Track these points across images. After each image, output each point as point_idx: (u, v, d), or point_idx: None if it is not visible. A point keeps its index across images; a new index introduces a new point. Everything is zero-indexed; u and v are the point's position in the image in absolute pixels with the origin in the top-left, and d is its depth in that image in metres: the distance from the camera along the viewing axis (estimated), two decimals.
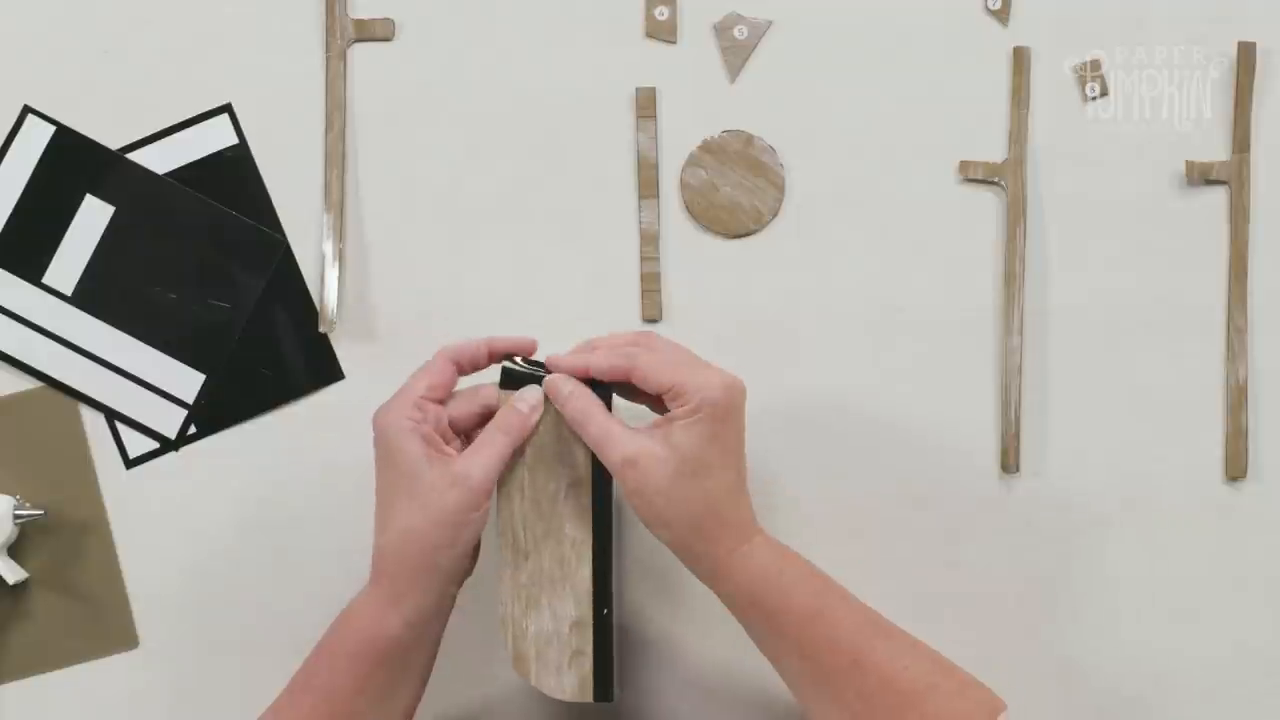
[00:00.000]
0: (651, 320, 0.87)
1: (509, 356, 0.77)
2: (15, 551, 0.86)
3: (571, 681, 0.75)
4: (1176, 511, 0.87)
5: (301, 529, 0.87)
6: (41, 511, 0.85)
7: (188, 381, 0.87)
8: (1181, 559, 0.87)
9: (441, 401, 0.75)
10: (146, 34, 0.87)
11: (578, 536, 0.75)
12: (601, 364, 0.74)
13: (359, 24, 0.88)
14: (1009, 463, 0.87)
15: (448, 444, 0.74)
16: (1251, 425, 0.87)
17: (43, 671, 0.87)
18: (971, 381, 0.87)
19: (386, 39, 0.88)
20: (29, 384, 0.87)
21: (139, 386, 0.87)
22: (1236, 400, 0.87)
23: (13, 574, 0.84)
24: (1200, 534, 0.87)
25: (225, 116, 0.87)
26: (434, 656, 0.76)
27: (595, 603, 0.75)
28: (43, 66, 0.87)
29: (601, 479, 0.75)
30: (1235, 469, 0.87)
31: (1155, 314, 0.88)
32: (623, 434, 0.71)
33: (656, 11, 0.88)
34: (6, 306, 0.87)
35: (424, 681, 0.76)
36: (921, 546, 0.87)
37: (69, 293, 0.86)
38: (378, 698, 0.74)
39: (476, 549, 0.76)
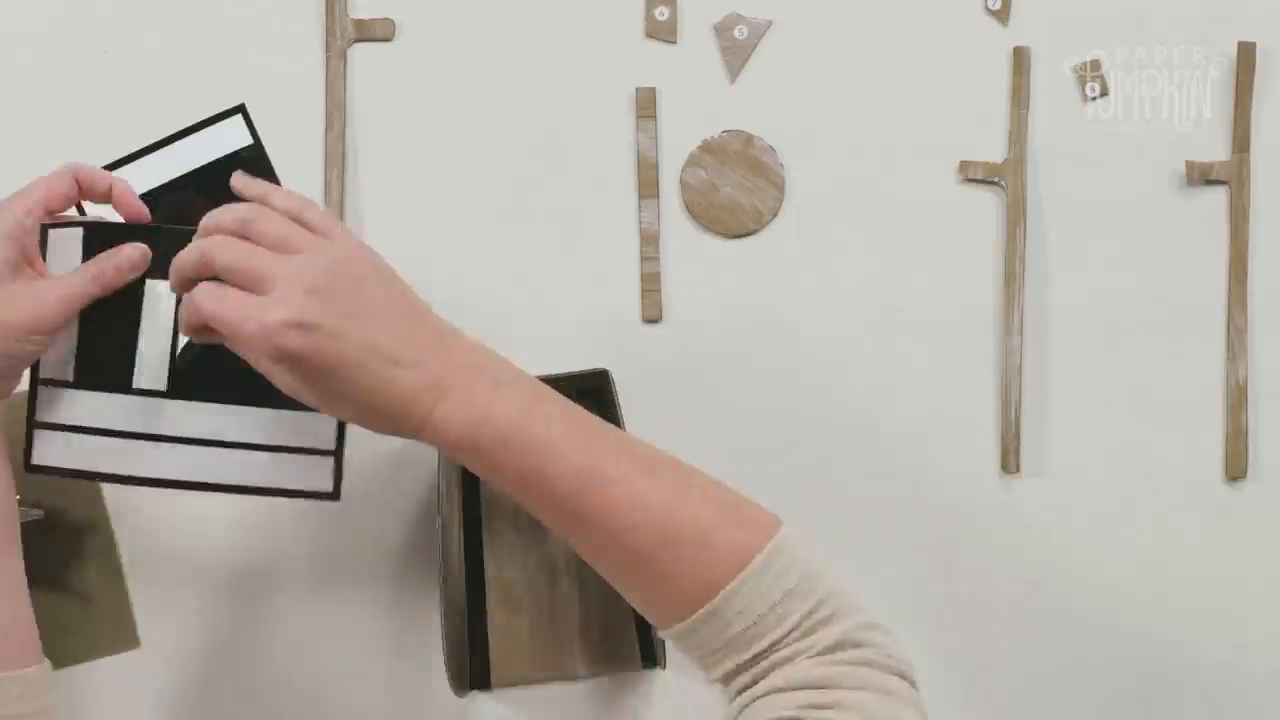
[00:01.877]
0: (652, 320, 0.87)
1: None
2: None
3: None
4: (1176, 511, 0.87)
5: (302, 528, 0.87)
6: (41, 512, 0.85)
7: (321, 425, 0.75)
8: (1181, 559, 0.87)
9: (51, 214, 0.71)
10: (146, 35, 0.87)
11: None
12: (183, 323, 0.66)
13: (359, 24, 0.88)
14: (1009, 463, 0.87)
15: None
16: (1251, 425, 0.87)
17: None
18: (971, 381, 0.87)
19: (386, 39, 0.88)
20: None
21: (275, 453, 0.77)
22: (1236, 400, 0.87)
23: None
24: (1200, 534, 0.87)
25: (239, 118, 0.87)
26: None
27: None
28: (43, 67, 0.87)
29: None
30: (1235, 469, 0.87)
31: (1155, 314, 0.88)
32: (254, 308, 0.63)
33: (656, 11, 0.88)
34: (107, 426, 0.75)
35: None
36: (921, 547, 0.87)
37: (163, 387, 0.75)
38: None
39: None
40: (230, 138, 0.87)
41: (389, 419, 0.65)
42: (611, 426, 0.67)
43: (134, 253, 0.71)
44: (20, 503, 0.85)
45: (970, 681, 0.86)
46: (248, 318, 0.62)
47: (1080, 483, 0.87)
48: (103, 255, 0.71)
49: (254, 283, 0.63)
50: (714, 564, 0.64)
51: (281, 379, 0.64)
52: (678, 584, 0.64)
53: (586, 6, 0.88)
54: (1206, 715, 0.87)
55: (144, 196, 0.85)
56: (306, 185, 0.87)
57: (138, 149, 0.86)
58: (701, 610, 0.63)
